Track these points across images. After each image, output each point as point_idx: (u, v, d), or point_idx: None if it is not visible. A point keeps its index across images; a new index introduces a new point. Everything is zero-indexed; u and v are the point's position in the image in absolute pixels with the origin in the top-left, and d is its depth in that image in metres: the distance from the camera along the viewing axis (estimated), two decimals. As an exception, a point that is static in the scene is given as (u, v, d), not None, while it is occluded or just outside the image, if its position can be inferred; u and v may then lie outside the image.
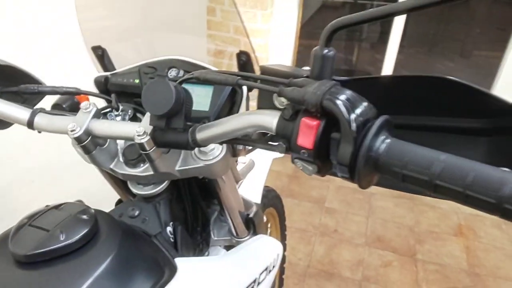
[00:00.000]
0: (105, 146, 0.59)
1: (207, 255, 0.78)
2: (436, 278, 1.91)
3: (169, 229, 0.65)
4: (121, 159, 0.61)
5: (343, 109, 0.37)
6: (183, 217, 0.73)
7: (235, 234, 0.78)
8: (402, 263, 1.99)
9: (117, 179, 0.68)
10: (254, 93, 0.57)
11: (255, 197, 1.03)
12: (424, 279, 1.91)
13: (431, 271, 1.95)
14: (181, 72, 0.66)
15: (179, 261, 0.56)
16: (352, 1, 4.47)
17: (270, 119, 0.45)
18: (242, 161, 0.87)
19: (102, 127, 0.55)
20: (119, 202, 0.76)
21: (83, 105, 0.55)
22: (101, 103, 0.67)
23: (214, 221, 0.82)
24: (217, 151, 0.59)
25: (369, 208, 2.35)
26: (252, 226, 0.79)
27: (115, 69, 0.74)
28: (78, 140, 0.54)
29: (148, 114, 0.52)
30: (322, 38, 0.42)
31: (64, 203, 0.52)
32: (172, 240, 0.65)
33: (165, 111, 0.47)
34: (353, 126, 0.37)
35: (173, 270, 0.54)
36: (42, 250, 0.45)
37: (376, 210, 2.34)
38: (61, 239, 0.46)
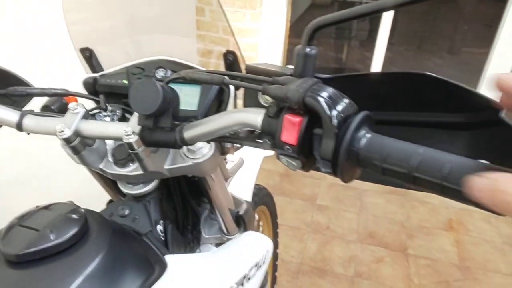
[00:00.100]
0: (94, 147, 0.59)
1: (199, 252, 0.79)
2: (427, 273, 1.94)
3: (159, 227, 0.65)
4: (110, 159, 0.61)
5: (324, 105, 0.38)
6: (174, 215, 0.74)
7: (225, 231, 0.79)
8: (394, 259, 2.01)
9: (107, 179, 0.69)
10: (242, 91, 0.58)
11: (246, 195, 1.04)
12: (415, 273, 1.93)
13: (422, 265, 1.98)
14: (169, 72, 0.67)
15: (169, 258, 0.57)
16: (341, 0, 4.51)
17: (255, 117, 0.46)
18: (232, 159, 0.88)
19: (91, 127, 0.56)
20: (110, 202, 0.77)
21: (71, 106, 0.56)
22: (90, 104, 0.68)
23: (204, 219, 0.82)
24: (205, 150, 0.60)
25: (360, 205, 2.37)
26: (242, 223, 0.80)
27: (103, 70, 0.74)
28: (67, 141, 0.55)
29: (136, 114, 0.53)
30: (304, 36, 0.43)
31: (54, 203, 0.53)
32: (162, 238, 0.66)
33: (152, 110, 0.48)
34: (335, 122, 0.38)
35: (163, 266, 0.55)
36: (32, 250, 0.46)
37: (367, 206, 2.36)
38: (51, 238, 0.47)
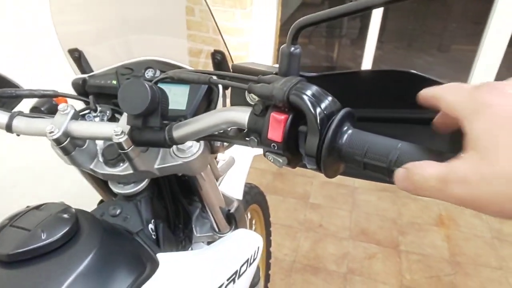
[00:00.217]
0: (84, 147, 0.60)
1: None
2: (419, 268, 1.96)
3: (150, 226, 0.66)
4: (100, 159, 0.62)
5: (308, 103, 0.39)
6: (165, 214, 0.75)
7: (217, 229, 0.80)
8: (386, 255, 2.03)
9: (97, 179, 0.69)
10: (230, 90, 0.59)
11: (237, 193, 1.04)
12: (407, 269, 1.95)
13: (414, 261, 2.00)
14: (158, 73, 0.67)
15: (161, 256, 0.58)
16: (331, -2, 4.52)
17: (242, 115, 0.46)
18: (222, 158, 0.89)
19: (81, 128, 0.56)
20: (101, 202, 0.77)
21: (60, 107, 0.56)
22: (79, 105, 0.68)
23: (196, 218, 0.83)
24: (194, 148, 0.60)
25: (352, 202, 2.39)
26: (233, 221, 0.81)
27: (92, 71, 0.75)
28: (57, 142, 0.55)
29: (125, 114, 0.53)
30: (289, 36, 0.44)
31: (45, 203, 0.53)
32: (154, 237, 0.66)
33: (141, 110, 0.49)
34: (318, 119, 0.39)
35: (155, 265, 0.56)
36: (24, 249, 0.46)
37: (359, 204, 2.38)
38: (43, 238, 0.47)
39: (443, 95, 0.35)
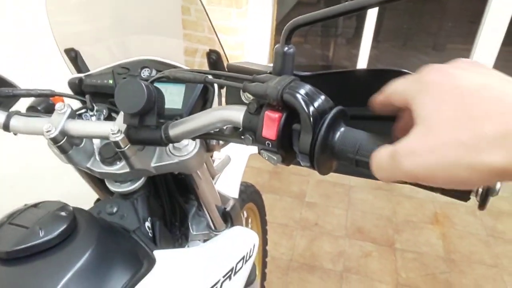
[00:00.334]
0: (81, 146, 0.60)
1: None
2: (414, 266, 1.97)
3: (147, 224, 0.67)
4: (97, 157, 0.63)
5: (301, 102, 0.40)
6: (161, 212, 0.75)
7: (213, 227, 0.80)
8: (382, 253, 2.05)
9: (94, 177, 0.70)
10: (226, 89, 0.59)
11: (232, 191, 1.05)
12: (403, 267, 1.97)
13: (409, 259, 2.01)
14: (154, 72, 0.68)
15: (158, 253, 0.58)
16: (327, -3, 4.53)
17: (237, 114, 0.47)
18: (218, 157, 0.90)
19: (78, 127, 0.57)
20: (97, 201, 0.78)
21: (58, 106, 0.57)
22: (76, 104, 0.69)
23: (192, 216, 0.84)
24: (190, 147, 0.61)
25: (348, 201, 2.40)
26: (229, 219, 0.82)
27: (89, 71, 0.75)
28: (54, 141, 0.56)
29: (122, 113, 0.54)
30: (283, 36, 0.45)
31: (43, 202, 0.54)
32: (150, 235, 0.67)
33: (137, 109, 0.49)
34: (311, 117, 0.40)
35: (151, 262, 0.56)
36: (22, 247, 0.47)
37: (355, 202, 2.39)
38: (41, 235, 0.48)
39: (392, 90, 0.38)
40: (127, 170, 0.61)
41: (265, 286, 1.62)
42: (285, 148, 0.44)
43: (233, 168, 0.97)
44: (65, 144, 0.57)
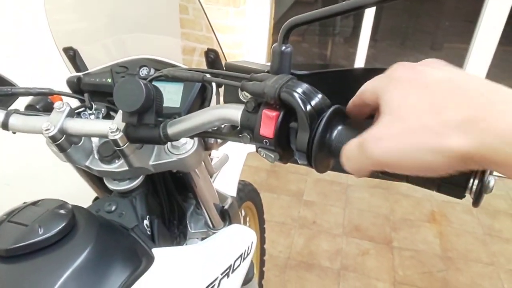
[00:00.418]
0: (79, 144, 0.61)
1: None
2: (411, 264, 1.98)
3: (146, 222, 0.67)
4: (96, 156, 0.63)
5: (299, 100, 0.41)
6: (160, 211, 0.76)
7: (211, 225, 0.81)
8: (379, 251, 2.06)
9: (93, 176, 0.70)
10: (223, 88, 0.60)
11: (230, 190, 1.06)
12: (400, 265, 1.98)
13: (406, 257, 2.02)
14: (152, 71, 0.68)
15: (156, 251, 0.59)
16: (324, -3, 4.54)
17: (235, 112, 0.48)
18: (216, 155, 0.90)
19: (76, 125, 0.57)
20: (96, 199, 0.78)
21: (56, 104, 0.57)
22: (74, 103, 0.69)
23: (190, 215, 0.84)
24: (189, 145, 0.61)
25: (346, 199, 2.41)
26: (227, 217, 0.82)
27: (87, 69, 0.76)
28: (53, 139, 0.56)
29: (120, 112, 0.54)
30: (280, 35, 0.45)
31: (42, 200, 0.54)
32: (149, 233, 0.67)
33: (136, 108, 0.50)
34: (308, 115, 0.40)
35: (150, 259, 0.57)
36: (21, 244, 0.47)
37: (352, 201, 2.40)
38: (40, 233, 0.48)
39: (364, 89, 0.39)
40: (126, 168, 0.61)
41: (263, 284, 1.63)
42: (282, 146, 0.44)
43: (231, 166, 0.98)
44: (64, 143, 0.57)
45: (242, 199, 1.24)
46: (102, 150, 0.62)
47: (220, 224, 0.81)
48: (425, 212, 2.32)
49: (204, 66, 0.72)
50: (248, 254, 0.76)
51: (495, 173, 0.33)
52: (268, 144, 0.44)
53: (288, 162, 0.47)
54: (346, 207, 2.35)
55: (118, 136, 0.53)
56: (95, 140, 0.64)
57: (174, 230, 0.80)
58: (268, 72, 0.47)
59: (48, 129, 0.55)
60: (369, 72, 0.49)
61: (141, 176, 0.67)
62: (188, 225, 0.83)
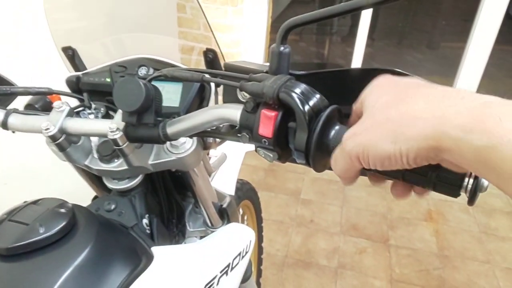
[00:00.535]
0: (79, 144, 0.61)
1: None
2: (408, 262, 2.00)
3: (145, 221, 0.67)
4: (95, 155, 0.63)
5: (297, 100, 0.41)
6: (159, 209, 0.76)
7: (209, 224, 0.81)
8: (376, 249, 2.07)
9: (92, 175, 0.70)
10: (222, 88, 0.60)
11: (229, 189, 1.06)
12: (397, 263, 1.99)
13: (403, 255, 2.03)
14: (151, 70, 0.69)
15: (156, 250, 0.59)
16: (321, -4, 4.54)
17: (234, 112, 0.48)
18: (215, 154, 0.90)
19: (76, 125, 0.57)
20: (94, 198, 0.78)
21: (56, 104, 0.58)
22: (73, 102, 0.69)
23: (189, 213, 0.85)
24: (188, 144, 0.62)
25: (343, 198, 2.41)
26: (226, 215, 0.83)
27: (86, 69, 0.76)
28: (53, 138, 0.57)
29: (120, 111, 0.55)
30: (278, 36, 0.46)
31: (42, 199, 0.55)
32: (148, 231, 0.68)
33: (136, 107, 0.50)
34: (307, 115, 0.41)
35: (150, 258, 0.57)
36: (22, 243, 0.48)
37: (350, 199, 2.41)
38: (41, 232, 0.49)
39: (358, 99, 0.41)
40: (125, 167, 0.61)
41: (261, 283, 1.64)
42: (281, 145, 0.45)
43: (229, 165, 0.98)
44: (64, 142, 0.58)
45: (240, 198, 1.24)
46: (102, 150, 0.62)
47: (219, 222, 0.82)
48: (422, 210, 2.33)
49: (202, 65, 0.73)
50: (246, 253, 0.77)
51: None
52: (267, 143, 0.45)
53: (287, 161, 0.48)
54: (343, 206, 2.35)
55: (117, 135, 0.53)
56: (94, 140, 0.64)
57: (173, 228, 0.81)
58: (266, 72, 0.48)
59: (48, 129, 0.55)
60: (367, 72, 0.50)
61: (140, 175, 0.67)
62: (187, 224, 0.84)
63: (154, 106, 0.52)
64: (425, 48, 4.50)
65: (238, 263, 0.73)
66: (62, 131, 0.57)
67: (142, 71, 0.69)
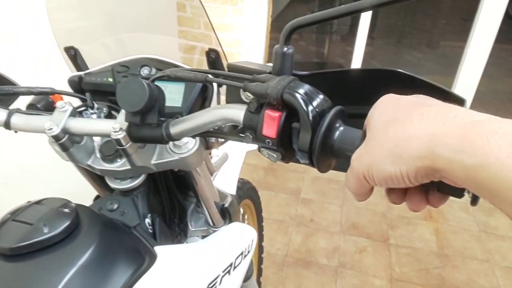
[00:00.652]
0: (82, 143, 0.61)
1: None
2: (408, 261, 2.00)
3: (147, 220, 0.67)
4: (98, 155, 0.63)
5: (301, 101, 0.41)
6: (161, 209, 0.76)
7: (211, 223, 0.81)
8: (376, 248, 2.07)
9: (94, 175, 0.70)
10: (225, 88, 0.60)
11: (230, 188, 1.06)
12: (397, 262, 1.99)
13: (403, 254, 2.04)
14: (153, 70, 0.69)
15: (159, 249, 0.59)
16: (321, -5, 4.54)
17: (237, 112, 0.48)
18: (216, 154, 0.91)
19: (79, 125, 0.58)
20: (97, 198, 0.79)
21: (59, 104, 0.58)
22: (76, 102, 0.69)
23: (191, 213, 0.85)
24: (190, 144, 0.62)
25: (343, 197, 2.42)
26: (227, 215, 0.83)
27: (88, 69, 0.76)
28: (56, 138, 0.57)
29: (123, 111, 0.55)
30: (282, 37, 0.46)
31: (45, 198, 0.55)
32: (150, 231, 0.68)
33: (139, 108, 0.50)
34: (310, 116, 0.41)
35: (153, 257, 0.57)
36: (26, 243, 0.48)
37: (350, 199, 2.40)
38: (45, 231, 0.49)
39: (366, 120, 0.41)
40: (128, 167, 0.61)
41: (261, 282, 1.64)
42: (284, 146, 0.45)
43: (230, 165, 0.98)
44: (67, 142, 0.58)
45: (241, 197, 1.25)
46: (104, 149, 0.63)
47: (221, 222, 0.82)
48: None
49: (204, 65, 0.73)
50: (248, 252, 0.77)
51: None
52: (270, 144, 0.45)
53: (290, 162, 0.48)
54: (343, 205, 2.36)
55: (121, 135, 0.53)
56: (97, 139, 0.65)
57: (175, 228, 0.81)
58: (270, 73, 0.48)
59: (51, 129, 0.56)
60: (370, 73, 0.50)
61: (143, 175, 0.67)
62: (189, 223, 0.84)
63: (157, 106, 0.52)
64: (425, 47, 4.51)
65: (240, 262, 0.73)
66: (65, 131, 0.57)
67: (145, 71, 0.69)
